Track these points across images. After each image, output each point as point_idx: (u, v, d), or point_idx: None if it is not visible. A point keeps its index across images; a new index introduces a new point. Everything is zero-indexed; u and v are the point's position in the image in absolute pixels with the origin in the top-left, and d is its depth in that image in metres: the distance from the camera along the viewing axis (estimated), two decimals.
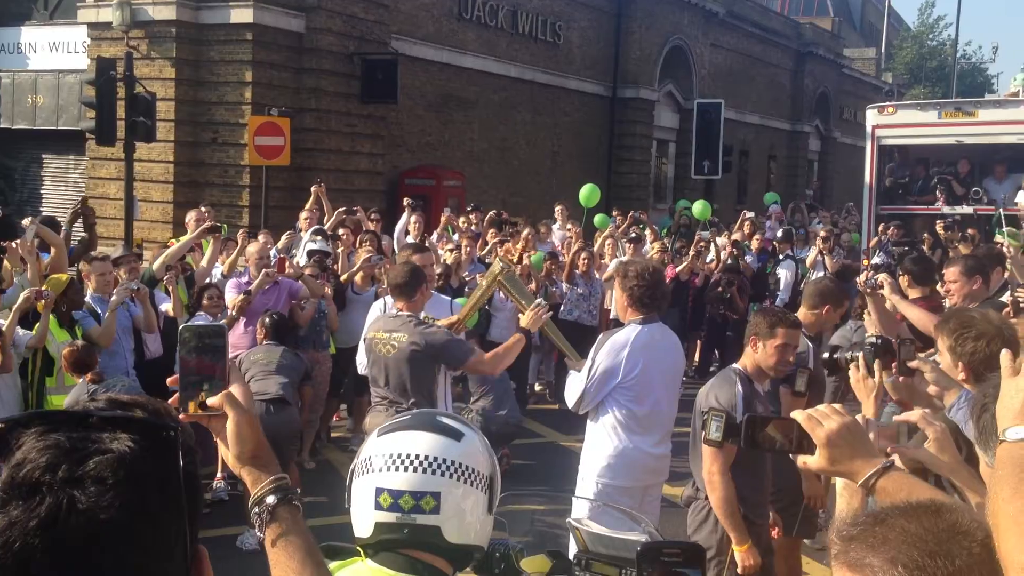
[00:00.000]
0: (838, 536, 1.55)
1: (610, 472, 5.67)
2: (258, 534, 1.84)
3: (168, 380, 1.88)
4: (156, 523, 1.14)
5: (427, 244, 12.50)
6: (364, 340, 6.38)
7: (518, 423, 9.25)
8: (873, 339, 3.93)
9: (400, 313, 6.15)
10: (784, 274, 14.74)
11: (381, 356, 6.05)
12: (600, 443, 5.73)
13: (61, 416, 1.18)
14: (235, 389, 1.86)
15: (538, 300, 6.25)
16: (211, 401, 1.83)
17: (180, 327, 1.92)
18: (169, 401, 1.79)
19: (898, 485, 2.04)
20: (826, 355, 4.23)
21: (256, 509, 1.83)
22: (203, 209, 11.98)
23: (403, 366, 5.98)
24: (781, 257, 15.21)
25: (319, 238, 10.85)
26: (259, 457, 1.86)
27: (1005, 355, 1.98)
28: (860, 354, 3.73)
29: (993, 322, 3.85)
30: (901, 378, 3.69)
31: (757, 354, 5.06)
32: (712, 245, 15.21)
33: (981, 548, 1.48)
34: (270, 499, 1.82)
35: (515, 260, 11.55)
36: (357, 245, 11.23)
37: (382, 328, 6.16)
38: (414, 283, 6.20)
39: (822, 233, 16.41)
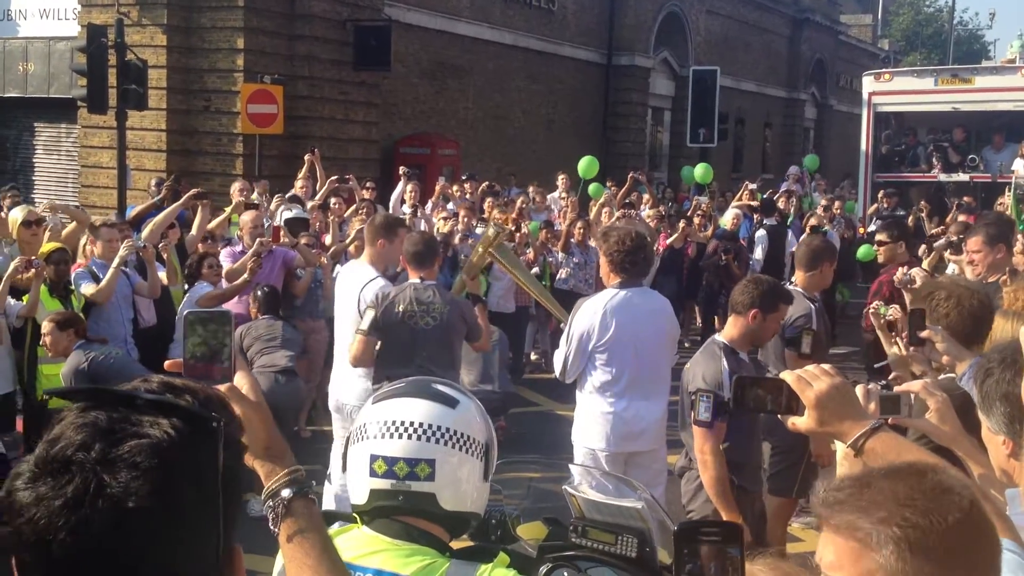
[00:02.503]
0: (823, 503, 1.54)
1: (586, 436, 5.69)
2: (272, 529, 1.77)
3: (166, 364, 1.80)
4: (187, 517, 1.09)
5: (421, 213, 12.48)
6: (381, 313, 5.91)
7: (504, 396, 8.87)
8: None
9: (427, 282, 6.03)
10: (761, 240, 14.68)
11: (417, 329, 5.85)
12: (580, 408, 5.76)
13: (107, 395, 1.13)
14: (242, 379, 1.77)
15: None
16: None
17: (184, 313, 1.84)
18: None
19: (887, 446, 2.02)
20: None
21: (270, 503, 1.76)
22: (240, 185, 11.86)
23: (448, 334, 5.91)
24: (762, 223, 15.13)
25: (295, 206, 10.74)
26: (272, 449, 1.79)
27: None
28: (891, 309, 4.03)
29: (960, 284, 3.99)
30: (912, 348, 3.71)
31: (754, 325, 5.03)
32: (700, 211, 15.12)
33: (971, 505, 1.48)
34: (285, 492, 1.75)
35: (512, 229, 11.50)
36: (354, 214, 11.15)
37: (413, 299, 5.91)
38: (432, 251, 6.17)
39: (823, 202, 16.37)
